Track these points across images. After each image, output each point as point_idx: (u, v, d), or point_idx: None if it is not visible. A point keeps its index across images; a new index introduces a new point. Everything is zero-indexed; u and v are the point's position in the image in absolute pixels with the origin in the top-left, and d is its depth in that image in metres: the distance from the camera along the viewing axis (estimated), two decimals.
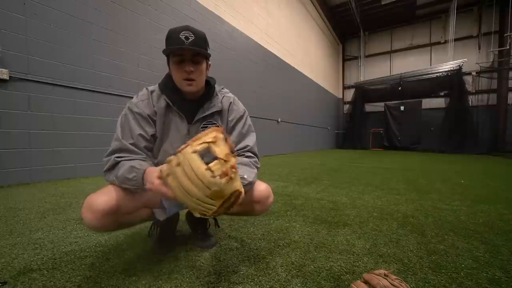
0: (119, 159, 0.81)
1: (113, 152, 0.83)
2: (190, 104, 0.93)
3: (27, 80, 2.37)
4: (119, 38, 3.09)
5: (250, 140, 0.97)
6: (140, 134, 0.86)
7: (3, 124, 2.24)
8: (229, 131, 0.97)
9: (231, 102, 1.00)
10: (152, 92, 0.93)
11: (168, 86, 0.93)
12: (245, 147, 0.94)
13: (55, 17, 2.53)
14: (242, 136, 0.97)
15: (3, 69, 2.21)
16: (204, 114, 0.94)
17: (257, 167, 0.91)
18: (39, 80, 2.44)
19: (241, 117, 0.99)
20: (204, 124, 0.95)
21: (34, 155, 2.44)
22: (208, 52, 0.90)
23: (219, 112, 0.97)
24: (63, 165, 2.66)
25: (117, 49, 3.08)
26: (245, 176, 0.80)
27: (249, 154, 0.94)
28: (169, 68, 0.91)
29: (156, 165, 0.87)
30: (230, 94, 1.04)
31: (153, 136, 0.90)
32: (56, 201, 1.78)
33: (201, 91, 0.94)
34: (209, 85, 0.97)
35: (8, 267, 0.90)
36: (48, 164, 2.54)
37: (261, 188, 0.90)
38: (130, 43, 3.21)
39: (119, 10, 3.09)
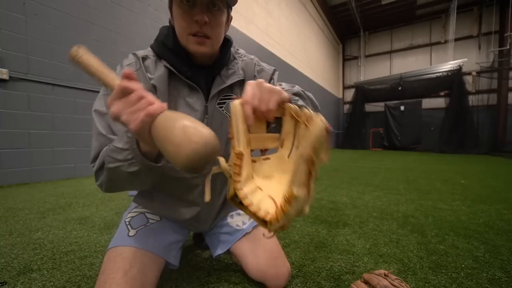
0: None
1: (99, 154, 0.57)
2: (201, 71, 0.67)
3: (27, 80, 2.37)
4: (119, 38, 3.09)
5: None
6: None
7: (3, 124, 2.24)
8: None
9: (255, 64, 0.76)
10: (144, 58, 0.65)
11: (167, 46, 0.65)
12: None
13: (55, 17, 2.53)
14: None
15: (3, 69, 2.21)
16: (224, 85, 0.68)
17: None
18: (39, 80, 2.44)
19: (273, 74, 0.77)
20: (221, 100, 0.69)
21: (34, 155, 2.43)
22: None
23: (241, 83, 0.73)
24: (63, 165, 2.66)
25: (117, 49, 3.07)
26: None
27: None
28: (172, 18, 0.64)
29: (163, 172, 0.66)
30: (250, 56, 0.78)
31: None
32: (56, 201, 1.78)
33: (216, 54, 0.68)
34: (226, 44, 0.71)
35: (8, 267, 0.90)
36: (48, 164, 2.54)
37: None
38: (130, 43, 3.21)
39: (119, 10, 3.09)
